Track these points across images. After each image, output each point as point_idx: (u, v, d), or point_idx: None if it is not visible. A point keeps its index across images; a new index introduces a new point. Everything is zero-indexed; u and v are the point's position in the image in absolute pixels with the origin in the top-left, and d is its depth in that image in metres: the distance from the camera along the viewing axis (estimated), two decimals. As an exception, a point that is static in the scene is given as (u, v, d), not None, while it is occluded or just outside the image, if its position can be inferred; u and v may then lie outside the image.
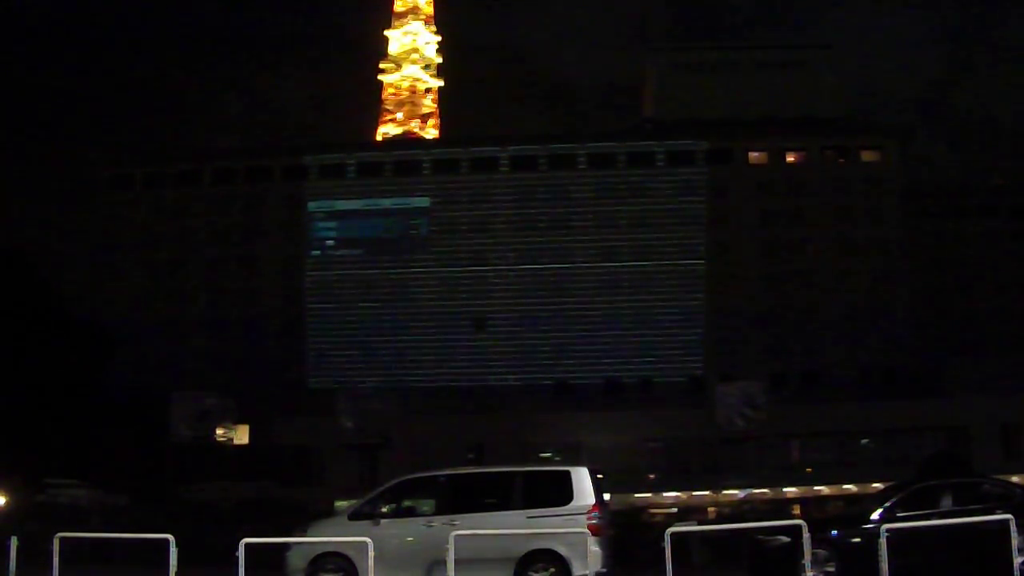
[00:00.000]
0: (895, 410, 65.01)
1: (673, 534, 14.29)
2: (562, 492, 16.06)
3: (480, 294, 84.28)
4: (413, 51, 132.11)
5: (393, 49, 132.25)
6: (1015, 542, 13.48)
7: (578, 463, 16.98)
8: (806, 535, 14.09)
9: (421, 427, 64.39)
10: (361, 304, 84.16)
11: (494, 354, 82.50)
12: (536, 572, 15.49)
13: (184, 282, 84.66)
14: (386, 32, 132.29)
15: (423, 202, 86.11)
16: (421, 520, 16.27)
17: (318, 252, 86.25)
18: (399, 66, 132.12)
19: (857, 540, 16.23)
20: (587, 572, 15.06)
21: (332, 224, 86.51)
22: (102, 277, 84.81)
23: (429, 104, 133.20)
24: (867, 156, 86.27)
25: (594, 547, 15.08)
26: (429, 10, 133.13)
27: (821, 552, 15.91)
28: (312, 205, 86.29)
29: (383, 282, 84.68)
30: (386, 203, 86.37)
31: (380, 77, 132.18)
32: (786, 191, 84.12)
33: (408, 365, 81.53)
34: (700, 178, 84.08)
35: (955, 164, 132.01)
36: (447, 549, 13.88)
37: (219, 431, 67.92)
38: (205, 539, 22.09)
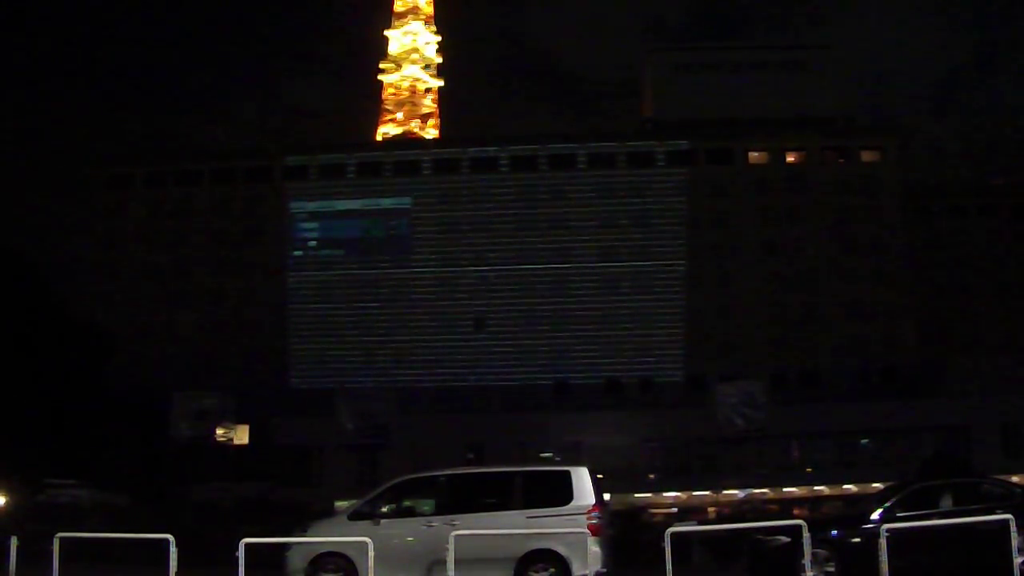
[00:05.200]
0: (895, 410, 64.98)
1: (673, 534, 14.29)
2: (562, 492, 16.05)
3: (480, 294, 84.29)
4: (413, 51, 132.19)
5: (393, 49, 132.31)
6: (1015, 542, 13.48)
7: (578, 463, 16.95)
8: (806, 535, 14.09)
9: (421, 427, 64.40)
10: (359, 304, 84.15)
11: (494, 354, 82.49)
12: (536, 572, 15.48)
13: (184, 282, 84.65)
14: (386, 32, 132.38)
15: (404, 202, 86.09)
16: (421, 520, 16.26)
17: (300, 253, 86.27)
18: (399, 66, 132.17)
19: (857, 540, 16.22)
20: (587, 572, 15.06)
21: (314, 224, 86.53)
22: (102, 277, 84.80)
23: (429, 104, 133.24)
24: (867, 156, 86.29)
25: (594, 547, 15.08)
26: (429, 10, 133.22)
27: (821, 552, 15.91)
28: (293, 206, 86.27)
29: (380, 282, 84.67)
30: (365, 204, 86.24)
31: (380, 77, 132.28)
32: (786, 191, 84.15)
33: (407, 365, 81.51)
34: (699, 178, 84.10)
35: (966, 162, 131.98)
36: (447, 549, 13.88)
37: (219, 431, 68.01)
38: (205, 539, 22.07)
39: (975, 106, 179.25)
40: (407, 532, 16.16)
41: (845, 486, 62.50)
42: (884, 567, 13.26)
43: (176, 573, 13.92)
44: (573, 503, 15.90)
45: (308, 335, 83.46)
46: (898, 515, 16.38)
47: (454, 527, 14.86)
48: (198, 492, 53.43)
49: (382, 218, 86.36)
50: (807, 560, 14.09)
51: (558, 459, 56.67)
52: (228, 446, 68.30)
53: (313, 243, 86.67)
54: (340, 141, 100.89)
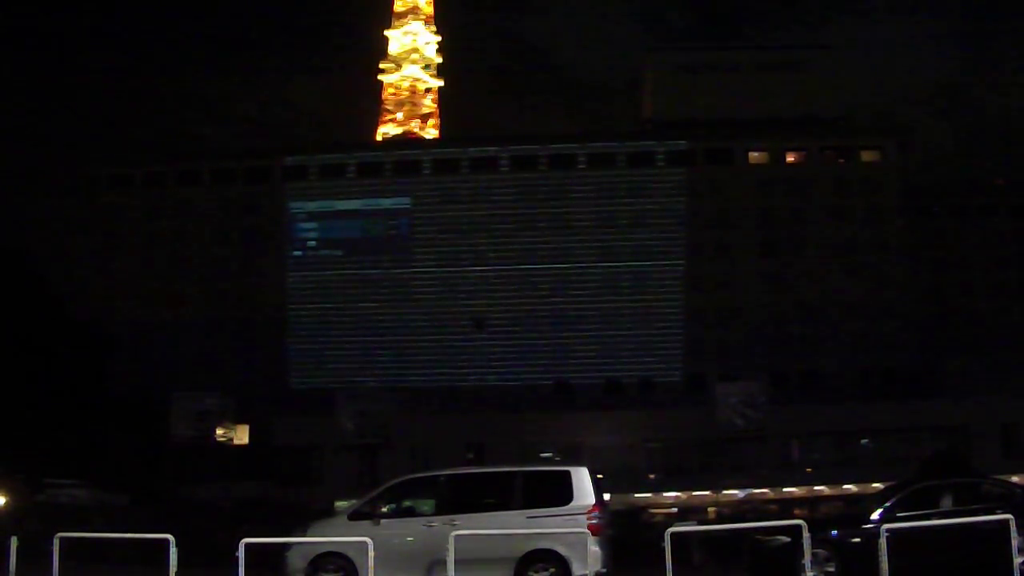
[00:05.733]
0: (895, 410, 65.05)
1: (673, 534, 14.27)
2: (562, 492, 16.05)
3: (480, 294, 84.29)
4: (413, 51, 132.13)
5: (393, 49, 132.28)
6: (1015, 542, 13.47)
7: (578, 463, 16.95)
8: (806, 535, 14.08)
9: (421, 427, 64.41)
10: (359, 304, 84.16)
11: (494, 354, 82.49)
12: (536, 572, 15.47)
13: (184, 282, 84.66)
14: (386, 32, 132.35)
15: (404, 202, 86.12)
16: (421, 520, 16.25)
17: (300, 253, 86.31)
18: (399, 66, 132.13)
19: (857, 540, 16.22)
20: (587, 572, 15.05)
21: (314, 225, 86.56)
22: (102, 277, 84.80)
23: (429, 104, 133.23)
24: (867, 156, 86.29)
25: (594, 547, 15.06)
26: (429, 10, 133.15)
27: (821, 552, 15.90)
28: (293, 206, 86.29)
29: (380, 282, 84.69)
30: (365, 204, 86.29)
31: (380, 77, 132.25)
32: (786, 191, 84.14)
33: (408, 365, 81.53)
34: (699, 178, 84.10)
35: (966, 162, 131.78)
36: (447, 549, 13.87)
37: (219, 431, 68.06)
38: (205, 539, 22.07)
39: (976, 106, 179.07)
40: (407, 532, 16.15)
41: (845, 486, 62.49)
42: (884, 567, 13.25)
43: (176, 573, 13.91)
44: (573, 503, 15.89)
45: (308, 335, 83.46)
46: (898, 515, 16.36)
47: (454, 527, 14.85)
48: (198, 492, 53.45)
49: (382, 218, 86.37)
50: (807, 560, 14.07)
51: (558, 459, 56.68)
52: (228, 446, 68.33)
53: (313, 243, 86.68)
54: (340, 141, 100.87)
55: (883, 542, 13.37)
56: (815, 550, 14.97)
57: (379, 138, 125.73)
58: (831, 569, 16.18)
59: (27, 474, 42.42)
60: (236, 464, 63.81)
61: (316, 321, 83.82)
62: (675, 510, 61.14)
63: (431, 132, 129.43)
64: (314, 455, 66.26)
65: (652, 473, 67.02)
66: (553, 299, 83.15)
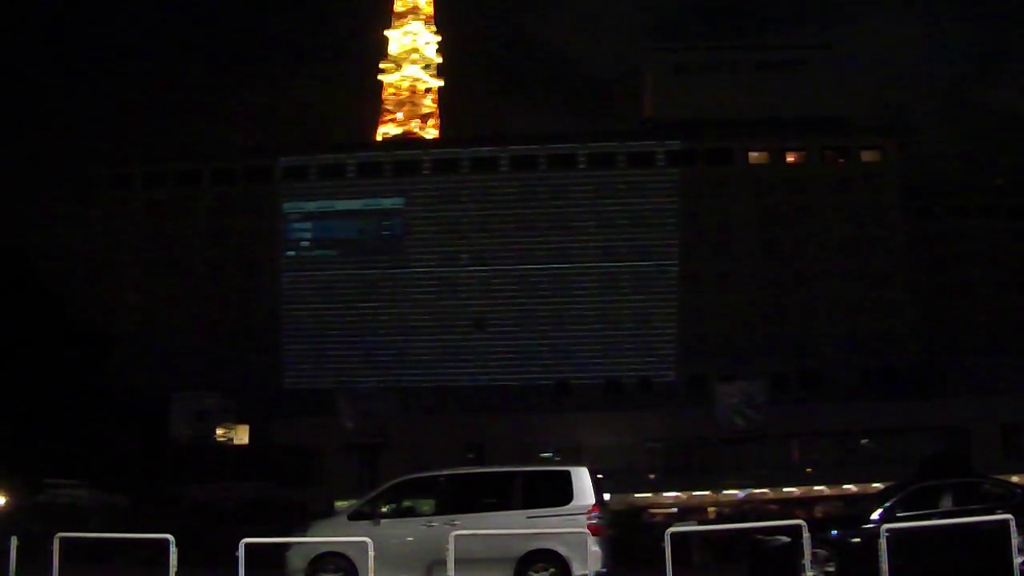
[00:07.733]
0: (895, 410, 65.00)
1: (673, 534, 14.26)
2: (562, 492, 16.03)
3: (480, 294, 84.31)
4: (413, 51, 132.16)
5: (393, 49, 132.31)
6: (1015, 542, 13.47)
7: (578, 463, 16.94)
8: (806, 535, 14.08)
9: (421, 427, 64.39)
10: (358, 304, 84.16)
11: (494, 354, 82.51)
12: (536, 572, 15.46)
13: (184, 282, 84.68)
14: (386, 32, 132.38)
15: (403, 202, 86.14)
16: (421, 520, 16.25)
17: (293, 253, 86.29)
18: (399, 66, 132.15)
19: (857, 540, 16.20)
20: (587, 572, 15.04)
21: (308, 225, 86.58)
22: (102, 277, 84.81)
23: (429, 104, 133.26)
24: (867, 156, 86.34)
25: (594, 547, 15.06)
26: (429, 10, 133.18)
27: (821, 552, 15.89)
28: (288, 206, 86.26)
29: (379, 282, 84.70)
30: (365, 204, 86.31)
31: (380, 77, 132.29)
32: (786, 191, 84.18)
33: (407, 365, 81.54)
34: (699, 178, 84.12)
35: (966, 162, 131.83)
36: (447, 549, 13.87)
37: (219, 431, 68.10)
38: (205, 539, 22.03)
39: (977, 106, 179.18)
40: (407, 532, 16.14)
41: (845, 486, 62.45)
42: (884, 567, 13.24)
43: (176, 573, 13.90)
44: (573, 503, 15.88)
45: (306, 335, 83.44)
46: (898, 515, 16.35)
47: (454, 527, 14.85)
48: (198, 492, 53.44)
49: (380, 218, 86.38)
50: (807, 560, 14.07)
51: (558, 459, 56.62)
52: (228, 446, 68.35)
53: (306, 243, 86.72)
54: (339, 141, 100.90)
55: (883, 542, 13.36)
56: (815, 550, 14.95)
57: (379, 138, 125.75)
58: (831, 569, 16.17)
59: (27, 474, 42.39)
60: (236, 464, 63.80)
61: (314, 321, 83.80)
62: (675, 510, 61.04)
63: (431, 132, 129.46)
64: (314, 455, 66.26)
65: (652, 473, 66.97)
66: (552, 299, 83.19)
